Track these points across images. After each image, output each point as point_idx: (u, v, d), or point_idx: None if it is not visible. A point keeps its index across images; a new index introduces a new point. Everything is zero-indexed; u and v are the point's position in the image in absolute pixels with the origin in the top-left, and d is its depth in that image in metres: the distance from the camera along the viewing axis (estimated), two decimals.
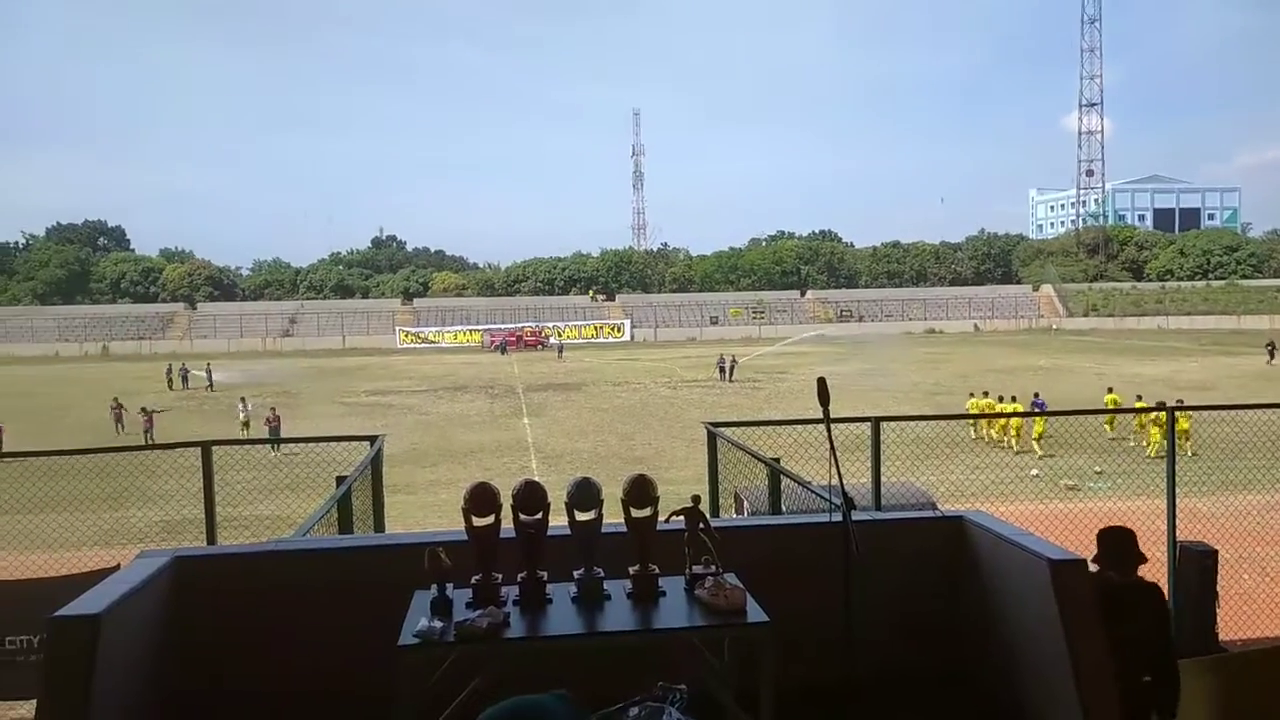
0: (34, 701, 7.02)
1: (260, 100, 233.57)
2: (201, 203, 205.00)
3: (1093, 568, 4.42)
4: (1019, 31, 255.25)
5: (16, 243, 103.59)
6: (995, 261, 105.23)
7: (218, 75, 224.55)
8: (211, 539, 7.55)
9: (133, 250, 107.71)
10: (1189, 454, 19.53)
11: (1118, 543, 4.73)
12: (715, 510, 8.38)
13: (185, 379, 49.84)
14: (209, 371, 50.57)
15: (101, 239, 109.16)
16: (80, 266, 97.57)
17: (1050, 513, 13.16)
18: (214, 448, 7.73)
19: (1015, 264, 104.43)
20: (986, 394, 30.05)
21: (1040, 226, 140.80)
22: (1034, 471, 21.48)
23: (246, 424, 31.64)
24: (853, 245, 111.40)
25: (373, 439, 7.89)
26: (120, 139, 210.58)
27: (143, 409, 31.87)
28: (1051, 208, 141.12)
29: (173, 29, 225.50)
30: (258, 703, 3.87)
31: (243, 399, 33.73)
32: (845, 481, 3.42)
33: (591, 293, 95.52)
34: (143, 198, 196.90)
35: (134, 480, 18.35)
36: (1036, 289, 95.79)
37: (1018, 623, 3.89)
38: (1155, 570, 8.67)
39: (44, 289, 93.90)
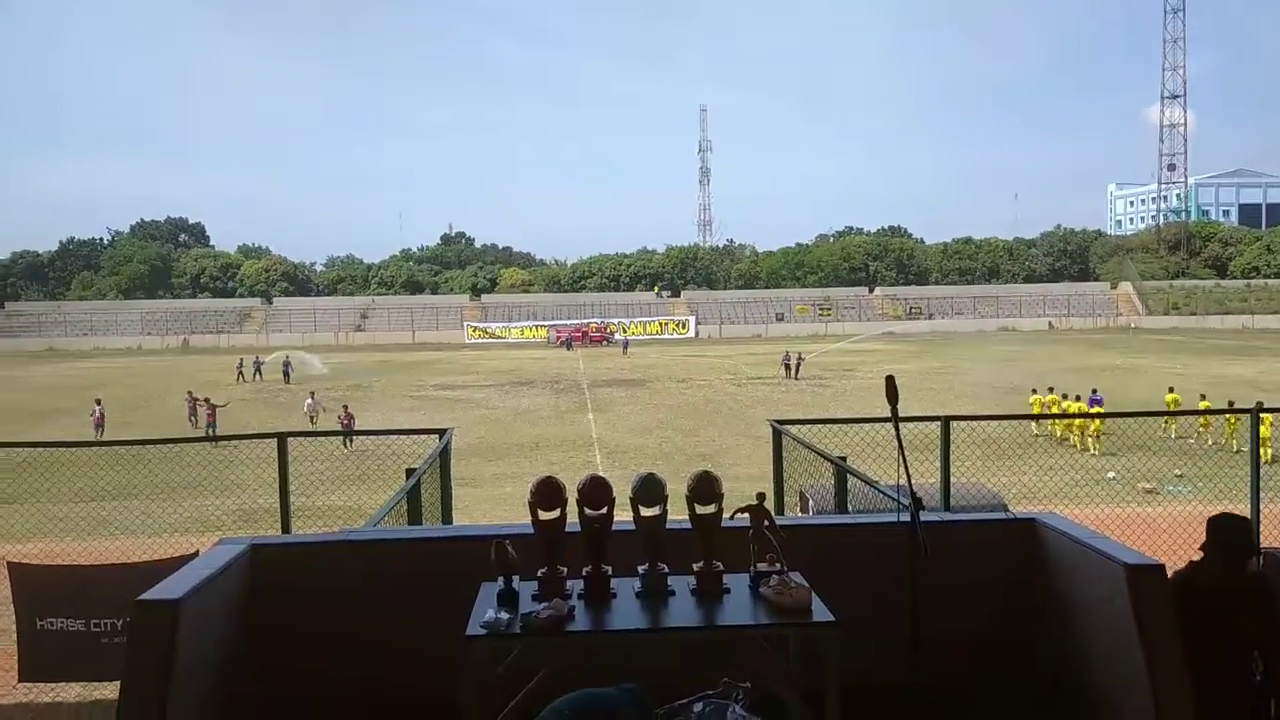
0: (118, 682, 7.30)
1: (334, 102, 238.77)
2: (278, 201, 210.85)
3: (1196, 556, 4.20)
4: (1097, 21, 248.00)
5: (102, 239, 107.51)
6: (1071, 258, 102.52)
7: (293, 78, 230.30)
8: (286, 528, 7.75)
9: (212, 247, 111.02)
10: (1269, 459, 18.80)
11: (1229, 531, 4.18)
12: (780, 508, 8.33)
13: (259, 371, 50.07)
14: (286, 364, 50.08)
15: (183, 235, 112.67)
16: (162, 262, 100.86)
17: (1127, 516, 12.82)
18: (288, 439, 7.94)
19: (1092, 261, 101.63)
20: (1051, 390, 29.58)
21: (1119, 222, 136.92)
22: (1110, 474, 20.90)
23: (313, 418, 31.47)
24: (923, 241, 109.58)
25: (441, 432, 8.01)
26: (201, 140, 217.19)
27: (206, 399, 31.83)
28: (1131, 203, 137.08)
29: (253, 36, 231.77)
30: (328, 687, 3.96)
31: (311, 394, 33.74)
32: (913, 481, 3.37)
33: (657, 289, 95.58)
34: (222, 196, 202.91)
35: (212, 470, 18.97)
36: (1114, 286, 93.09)
37: (1091, 629, 3.79)
38: None
39: (128, 284, 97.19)
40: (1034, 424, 26.34)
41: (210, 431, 28.56)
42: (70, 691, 9.86)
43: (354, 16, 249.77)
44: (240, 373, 49.68)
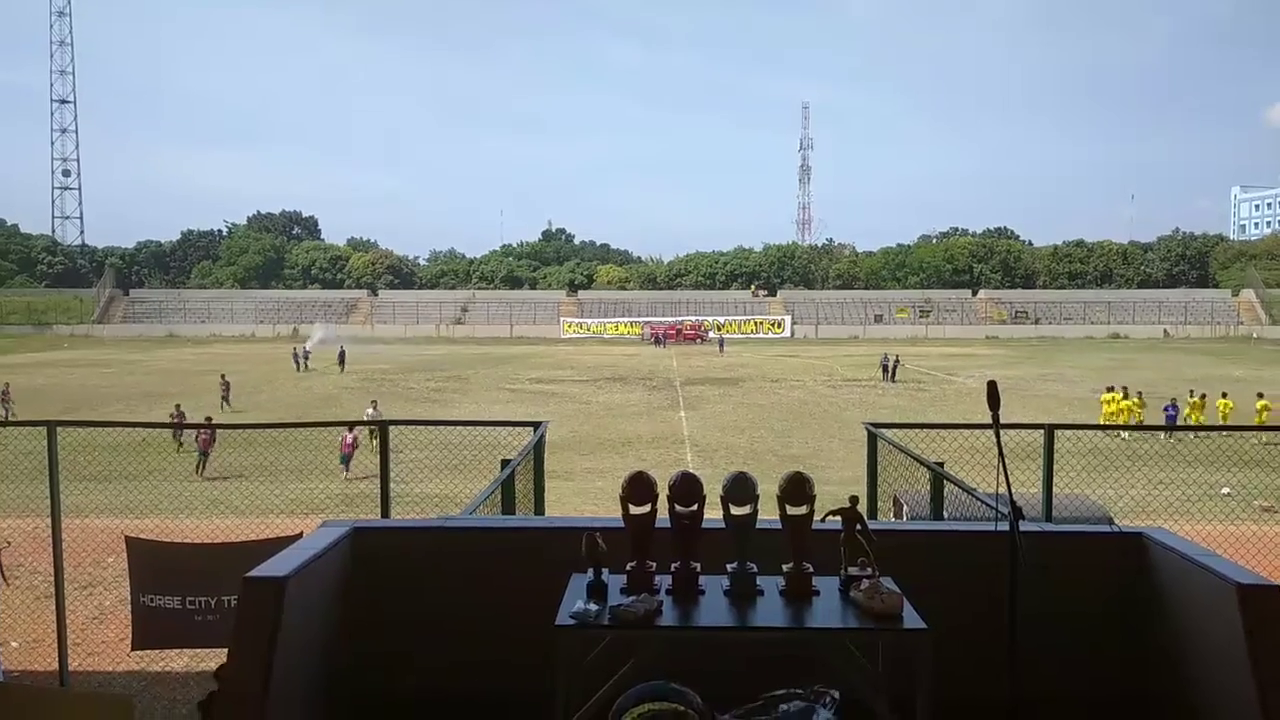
0: (218, 650, 7.64)
1: (440, 99, 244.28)
2: (386, 196, 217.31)
3: None
4: (1221, 16, 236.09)
5: (220, 230, 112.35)
6: (1190, 263, 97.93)
7: (403, 76, 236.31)
8: (385, 512, 7.98)
9: (323, 239, 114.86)
10: None
11: None
12: (873, 513, 8.19)
13: (303, 360, 50.75)
14: (342, 354, 50.40)
15: (296, 228, 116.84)
16: (276, 254, 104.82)
17: (1243, 535, 12.21)
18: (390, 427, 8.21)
19: (1213, 266, 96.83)
20: (1125, 390, 29.22)
21: (1243, 226, 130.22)
22: (1225, 490, 19.92)
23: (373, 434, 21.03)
24: (1030, 244, 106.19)
25: (536, 425, 8.13)
26: (316, 136, 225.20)
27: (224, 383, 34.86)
28: (1256, 206, 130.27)
29: (364, 36, 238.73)
30: (420, 670, 4.08)
31: (374, 403, 28.45)
32: (1014, 491, 3.28)
33: (753, 288, 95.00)
34: (334, 190, 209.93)
35: (317, 455, 19.66)
36: (1236, 294, 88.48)
37: (1199, 651, 3.62)
38: None
39: (243, 274, 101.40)
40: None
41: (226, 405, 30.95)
42: (178, 661, 10.38)
43: (462, 11, 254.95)
44: (296, 362, 50.64)
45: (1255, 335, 78.42)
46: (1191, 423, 26.64)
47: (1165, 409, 27.45)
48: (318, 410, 32.89)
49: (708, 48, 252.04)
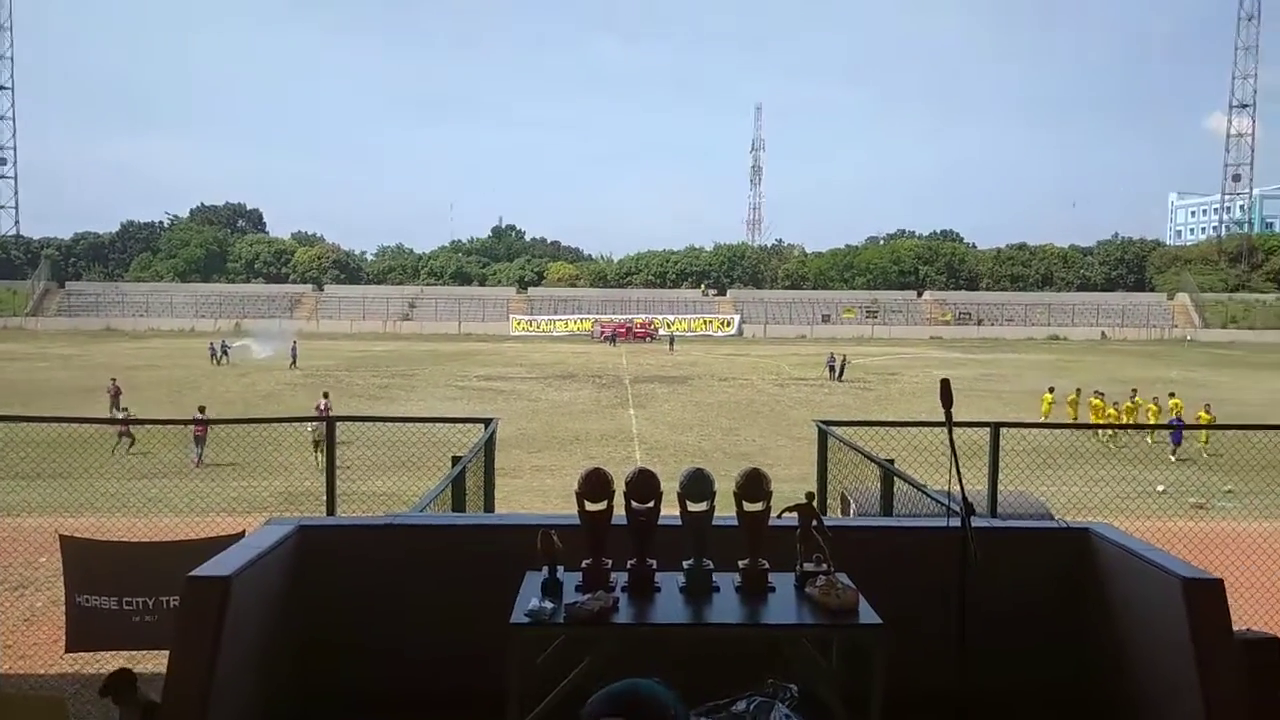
0: (156, 653, 7.43)
1: (389, 92, 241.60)
2: (332, 189, 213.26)
3: None
4: (1160, 28, 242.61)
5: (161, 222, 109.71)
6: (1128, 267, 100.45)
7: (348, 67, 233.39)
8: (331, 510, 7.85)
9: (268, 233, 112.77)
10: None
11: None
12: (821, 510, 8.26)
13: (222, 354, 50.58)
14: (294, 350, 50.19)
15: (240, 221, 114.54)
16: (219, 246, 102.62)
17: (1177, 531, 12.52)
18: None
19: (1150, 271, 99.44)
20: (1082, 391, 30.62)
21: (1179, 232, 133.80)
22: (1160, 488, 20.47)
23: (318, 443, 20.11)
24: (975, 246, 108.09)
25: (486, 422, 8.06)
26: (261, 127, 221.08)
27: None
28: (1193, 213, 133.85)
29: (306, 23, 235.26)
30: (371, 670, 4.01)
31: (325, 394, 28.24)
32: (960, 487, 3.32)
33: (703, 287, 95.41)
34: (279, 183, 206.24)
35: (260, 452, 19.30)
36: (1171, 298, 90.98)
37: (1144, 644, 3.70)
38: None
39: (184, 267, 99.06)
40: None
41: (113, 412, 27.29)
42: (114, 663, 10.09)
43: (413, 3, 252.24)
44: (214, 356, 50.24)
45: (1189, 338, 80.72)
46: (1129, 422, 27.25)
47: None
48: (259, 408, 32.28)
49: (660, 41, 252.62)
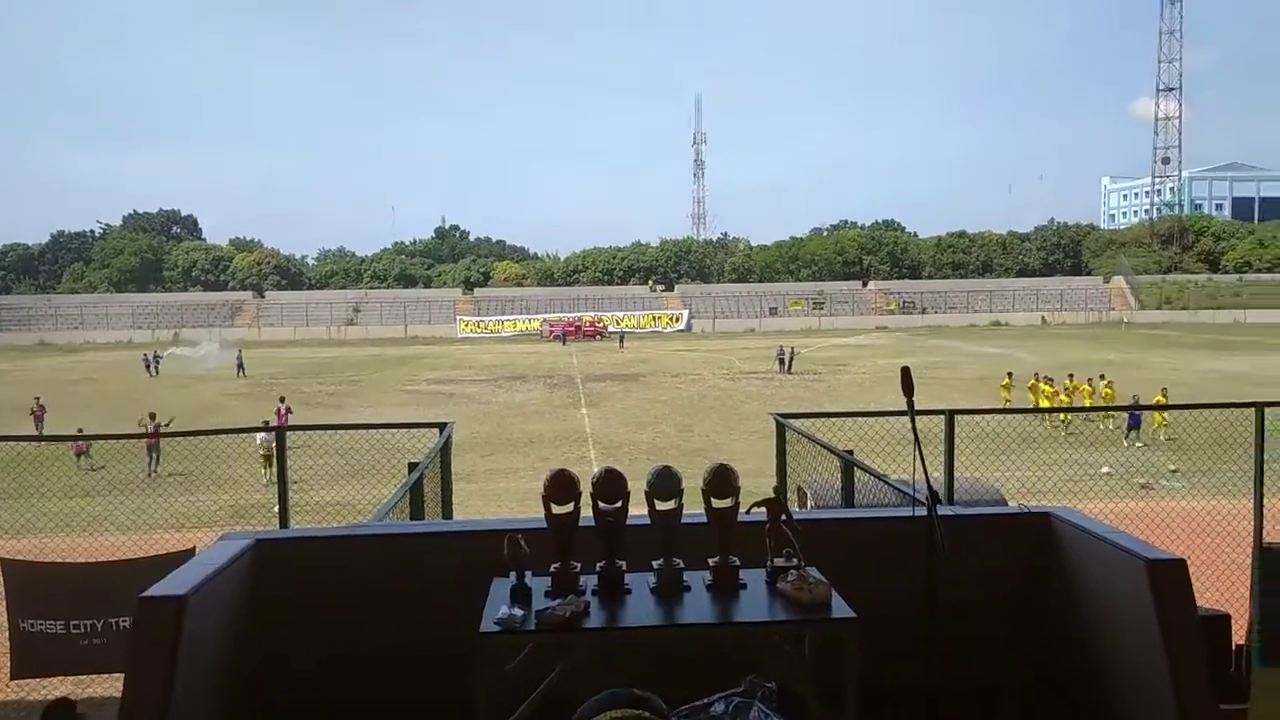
0: (105, 676, 7.19)
1: (327, 91, 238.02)
2: (270, 193, 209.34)
3: None
4: (1091, 12, 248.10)
5: (93, 231, 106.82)
6: (1065, 252, 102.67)
7: (283, 67, 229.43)
8: (284, 522, 7.68)
9: (204, 239, 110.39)
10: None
11: None
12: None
13: (154, 364, 49.89)
14: (240, 358, 49.35)
15: (175, 228, 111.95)
16: (154, 255, 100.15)
17: (1125, 511, 12.81)
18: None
19: (1085, 255, 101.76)
20: (1041, 377, 30.64)
21: (1113, 216, 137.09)
22: (1104, 469, 20.92)
23: (269, 457, 19.95)
24: (916, 235, 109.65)
25: (441, 426, 7.95)
26: (195, 130, 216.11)
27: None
28: (1125, 196, 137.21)
29: (241, 21, 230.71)
30: (335, 685, 3.91)
31: (281, 399, 29.13)
32: (917, 475, 3.33)
33: (650, 283, 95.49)
34: (214, 188, 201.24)
35: (206, 465, 18.86)
36: (1107, 281, 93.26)
37: (1110, 626, 3.74)
38: (1240, 573, 8.37)
39: (119, 276, 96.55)
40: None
41: (39, 428, 26.95)
42: (62, 688, 9.77)
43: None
44: (148, 367, 49.52)
45: (1125, 320, 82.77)
46: (1067, 405, 27.79)
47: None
48: (202, 420, 31.55)
49: (599, 31, 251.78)
